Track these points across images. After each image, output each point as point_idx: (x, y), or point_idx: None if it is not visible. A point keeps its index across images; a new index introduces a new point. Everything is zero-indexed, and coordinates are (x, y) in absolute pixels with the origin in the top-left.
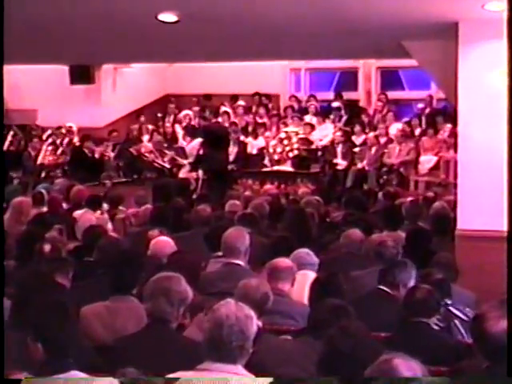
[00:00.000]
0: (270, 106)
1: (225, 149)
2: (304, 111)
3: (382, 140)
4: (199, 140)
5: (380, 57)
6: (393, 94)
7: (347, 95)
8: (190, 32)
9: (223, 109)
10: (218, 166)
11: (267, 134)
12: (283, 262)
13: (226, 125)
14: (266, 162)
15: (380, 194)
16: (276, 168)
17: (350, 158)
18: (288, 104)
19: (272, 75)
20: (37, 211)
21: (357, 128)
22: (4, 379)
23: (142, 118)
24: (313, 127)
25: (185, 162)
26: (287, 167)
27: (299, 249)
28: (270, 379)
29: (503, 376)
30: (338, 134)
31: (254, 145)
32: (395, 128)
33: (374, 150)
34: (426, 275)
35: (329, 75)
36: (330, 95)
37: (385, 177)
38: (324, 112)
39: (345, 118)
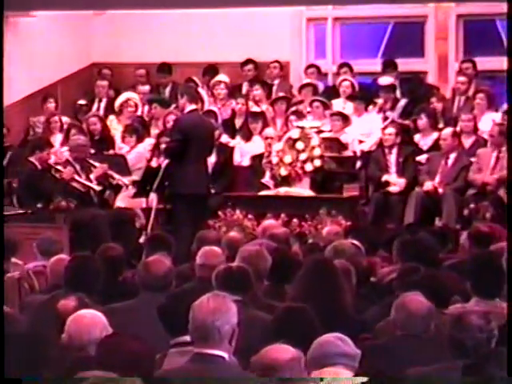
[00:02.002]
0: (274, 82)
1: (204, 159)
2: (332, 92)
3: (468, 142)
4: (150, 142)
5: None
6: (486, 62)
7: (406, 64)
8: None
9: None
10: (189, 188)
11: (268, 131)
12: (291, 352)
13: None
14: (267, 179)
15: (464, 236)
16: (284, 190)
17: (412, 173)
18: (304, 80)
19: (277, 30)
20: None
21: (423, 121)
22: (4, 379)
23: (52, 105)
24: (347, 120)
25: (126, 180)
26: (303, 189)
27: (325, 330)
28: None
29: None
30: (391, 130)
31: (244, 150)
32: (489, 120)
33: (452, 158)
34: None
35: (374, 30)
36: (377, 64)
37: (472, 205)
38: (366, 93)
39: (402, 103)
